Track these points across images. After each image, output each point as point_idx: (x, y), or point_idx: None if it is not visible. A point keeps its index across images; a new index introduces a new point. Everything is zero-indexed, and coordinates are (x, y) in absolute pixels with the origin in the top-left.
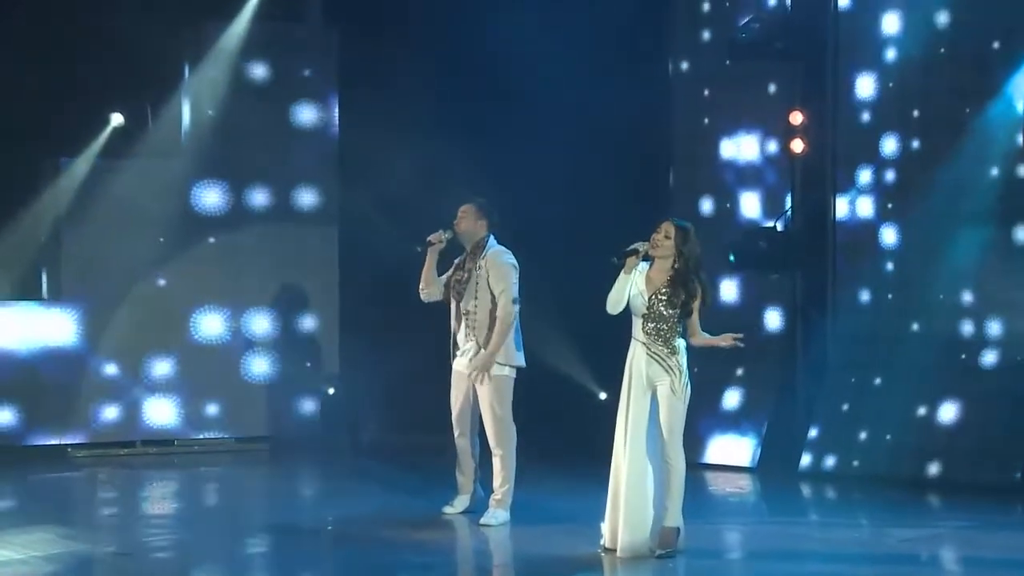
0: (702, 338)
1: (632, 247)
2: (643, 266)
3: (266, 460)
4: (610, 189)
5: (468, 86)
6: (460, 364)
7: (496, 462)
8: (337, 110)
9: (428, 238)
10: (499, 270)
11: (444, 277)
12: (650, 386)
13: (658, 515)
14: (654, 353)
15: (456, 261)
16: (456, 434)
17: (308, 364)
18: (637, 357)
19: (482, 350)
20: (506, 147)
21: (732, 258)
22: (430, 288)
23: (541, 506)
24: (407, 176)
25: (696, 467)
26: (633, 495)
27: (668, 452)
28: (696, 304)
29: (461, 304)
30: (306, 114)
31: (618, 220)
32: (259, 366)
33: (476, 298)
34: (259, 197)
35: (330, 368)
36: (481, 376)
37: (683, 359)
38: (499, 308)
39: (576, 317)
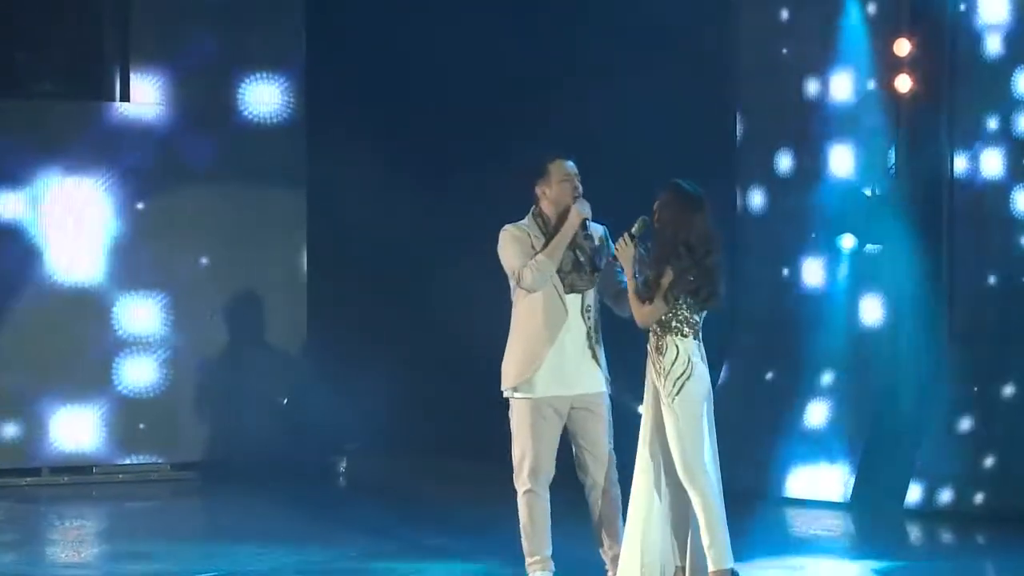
0: None
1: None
2: None
3: (211, 492)
4: (653, 141)
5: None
6: (577, 385)
7: (615, 504)
8: (305, 35)
9: (586, 214)
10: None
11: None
12: (653, 395)
13: (701, 562)
14: (649, 351)
15: (545, 228)
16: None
17: (266, 368)
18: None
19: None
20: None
21: (849, 242)
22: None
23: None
24: (395, 117)
25: (774, 501)
26: (645, 534)
27: (681, 478)
28: (660, 285)
29: (583, 298)
30: (265, 39)
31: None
32: (202, 370)
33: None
34: (202, 149)
35: (295, 372)
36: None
37: (674, 359)
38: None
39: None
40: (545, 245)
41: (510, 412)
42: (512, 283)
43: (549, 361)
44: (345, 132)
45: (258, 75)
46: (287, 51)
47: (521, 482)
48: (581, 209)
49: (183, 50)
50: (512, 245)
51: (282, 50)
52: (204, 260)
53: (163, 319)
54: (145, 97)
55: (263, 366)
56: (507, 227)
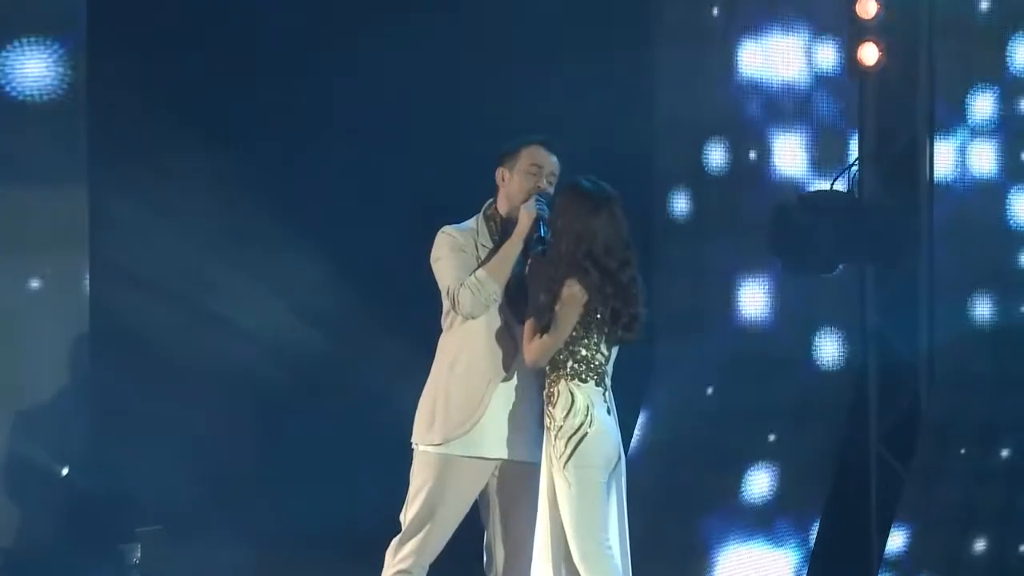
0: None
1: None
2: None
3: None
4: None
5: None
6: (517, 448)
7: None
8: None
9: (538, 213)
10: None
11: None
12: (547, 456)
13: None
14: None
15: (497, 231)
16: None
17: (35, 427)
18: None
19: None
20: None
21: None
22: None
23: None
24: (196, 98)
25: None
26: None
27: (576, 563)
28: (555, 312)
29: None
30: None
31: None
32: None
33: None
34: None
35: (73, 433)
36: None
37: (567, 411)
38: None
39: None
40: (490, 257)
41: (415, 465)
42: (445, 304)
43: (491, 411)
44: (137, 116)
45: (24, 41)
46: (63, 10)
47: (399, 558)
48: (530, 208)
49: None
50: (449, 256)
51: (57, 9)
52: None
53: None
54: None
55: (30, 424)
56: (445, 229)
